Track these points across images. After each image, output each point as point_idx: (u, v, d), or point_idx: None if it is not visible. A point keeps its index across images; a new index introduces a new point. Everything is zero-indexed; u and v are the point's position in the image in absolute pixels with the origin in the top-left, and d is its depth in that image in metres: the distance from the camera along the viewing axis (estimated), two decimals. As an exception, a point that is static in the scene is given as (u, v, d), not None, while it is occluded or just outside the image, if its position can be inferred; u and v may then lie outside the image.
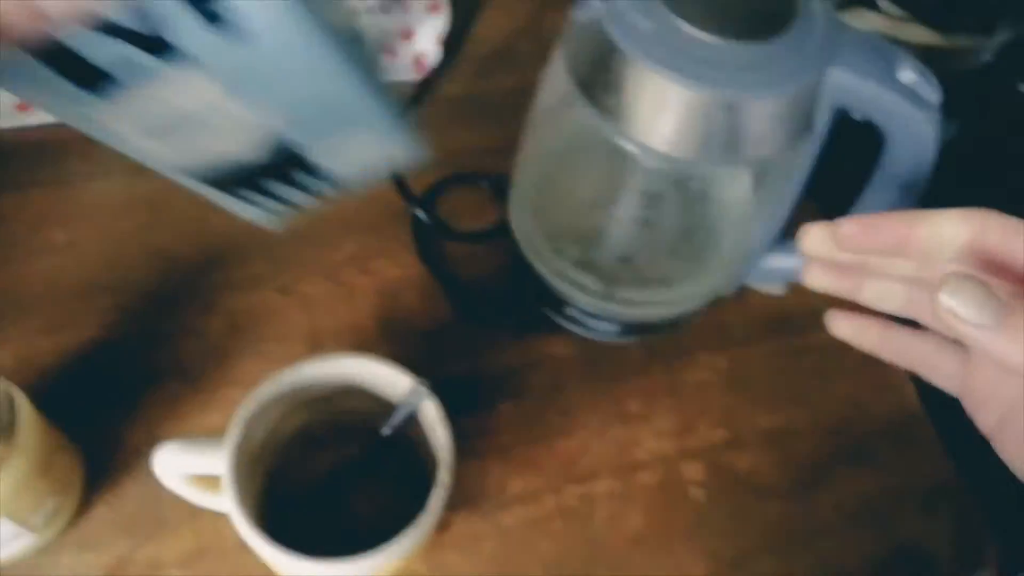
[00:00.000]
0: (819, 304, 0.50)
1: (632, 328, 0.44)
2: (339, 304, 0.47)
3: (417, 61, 0.57)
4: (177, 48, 0.24)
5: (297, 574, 0.31)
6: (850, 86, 0.32)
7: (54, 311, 0.44)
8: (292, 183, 0.33)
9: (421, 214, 0.49)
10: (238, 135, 0.29)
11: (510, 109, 0.57)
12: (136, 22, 0.24)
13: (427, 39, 0.57)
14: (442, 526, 0.41)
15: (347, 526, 0.38)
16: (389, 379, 0.34)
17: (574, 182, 0.44)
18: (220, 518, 0.37)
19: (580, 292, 0.42)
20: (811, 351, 0.49)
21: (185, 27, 0.24)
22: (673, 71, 0.30)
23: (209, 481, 0.34)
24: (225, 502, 0.30)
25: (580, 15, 0.34)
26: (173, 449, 0.31)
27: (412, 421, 0.35)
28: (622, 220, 0.38)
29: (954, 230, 0.25)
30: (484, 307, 0.47)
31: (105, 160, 0.49)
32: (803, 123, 0.33)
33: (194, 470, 0.32)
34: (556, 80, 0.36)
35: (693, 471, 0.44)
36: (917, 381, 0.49)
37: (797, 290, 0.49)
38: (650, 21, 0.31)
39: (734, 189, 0.40)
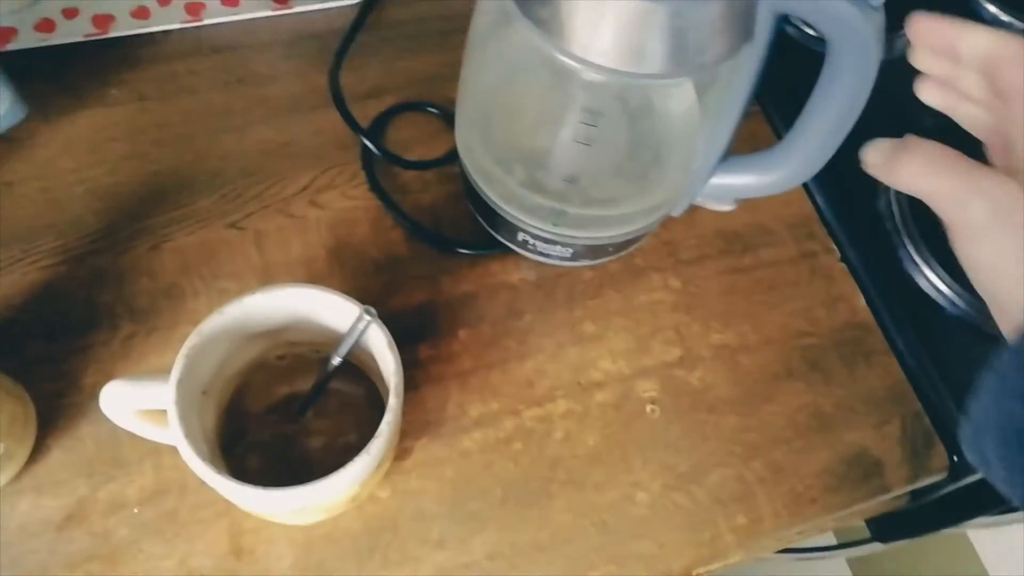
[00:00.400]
0: (768, 221, 0.52)
1: (584, 252, 0.44)
2: (292, 238, 0.46)
3: (360, -15, 0.55)
4: None
5: (251, 504, 0.32)
6: (790, -13, 0.31)
7: (-5, 256, 0.43)
8: None
9: (368, 143, 0.49)
10: None
11: (458, 34, 0.55)
12: None
13: (369, -39, 0.55)
14: (403, 453, 0.41)
15: (305, 456, 0.39)
16: (335, 308, 0.34)
17: (517, 102, 0.44)
18: (177, 455, 0.38)
19: (530, 216, 0.42)
20: (762, 267, 0.50)
21: None
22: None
23: (162, 417, 0.34)
24: (173, 436, 0.30)
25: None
26: (120, 386, 0.31)
27: (364, 350, 0.35)
28: (565, 139, 0.38)
29: (980, 42, 0.30)
30: (438, 235, 0.47)
31: (40, 101, 0.48)
32: (744, 31, 0.33)
33: (143, 406, 0.32)
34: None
35: (648, 389, 0.45)
36: (868, 292, 0.50)
37: (747, 207, 0.50)
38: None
39: (677, 103, 0.40)
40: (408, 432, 0.42)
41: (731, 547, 0.42)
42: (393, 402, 0.32)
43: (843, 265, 0.51)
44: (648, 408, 0.45)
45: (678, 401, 0.45)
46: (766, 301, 0.49)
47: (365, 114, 0.51)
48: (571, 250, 0.44)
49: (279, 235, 0.46)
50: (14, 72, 0.45)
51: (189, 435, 0.30)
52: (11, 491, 0.38)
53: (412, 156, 0.50)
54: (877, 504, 0.46)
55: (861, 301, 0.49)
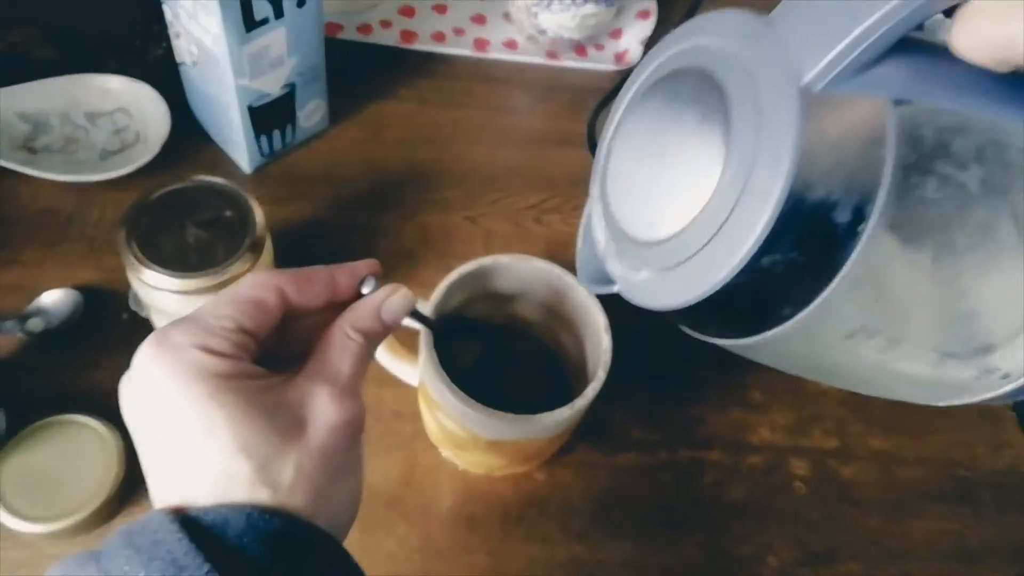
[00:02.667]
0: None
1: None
2: (514, 243, 0.53)
3: (618, 56, 0.63)
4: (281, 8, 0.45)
5: (464, 419, 0.36)
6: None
7: (283, 189, 0.52)
8: (280, 128, 0.52)
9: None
10: (279, 74, 0.48)
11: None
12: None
13: (633, 39, 0.63)
14: (566, 448, 0.45)
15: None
16: (567, 289, 0.39)
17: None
18: (382, 387, 0.44)
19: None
20: (935, 392, 0.51)
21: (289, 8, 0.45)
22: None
23: (392, 342, 0.40)
24: (421, 347, 0.36)
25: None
26: (385, 297, 0.37)
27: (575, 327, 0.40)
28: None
29: None
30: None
31: (346, 85, 0.57)
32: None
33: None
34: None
35: (799, 467, 0.47)
36: (1035, 447, 0.50)
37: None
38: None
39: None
40: (574, 432, 0.46)
41: (848, 637, 0.42)
42: (601, 374, 0.36)
43: (1015, 415, 0.51)
44: (795, 484, 0.47)
45: (825, 487, 0.47)
46: (930, 425, 0.50)
47: (598, 161, 0.57)
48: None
49: (504, 236, 0.53)
50: (332, 61, 0.55)
51: (434, 346, 0.36)
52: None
53: (630, 206, 0.56)
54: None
55: (1028, 452, 0.50)
